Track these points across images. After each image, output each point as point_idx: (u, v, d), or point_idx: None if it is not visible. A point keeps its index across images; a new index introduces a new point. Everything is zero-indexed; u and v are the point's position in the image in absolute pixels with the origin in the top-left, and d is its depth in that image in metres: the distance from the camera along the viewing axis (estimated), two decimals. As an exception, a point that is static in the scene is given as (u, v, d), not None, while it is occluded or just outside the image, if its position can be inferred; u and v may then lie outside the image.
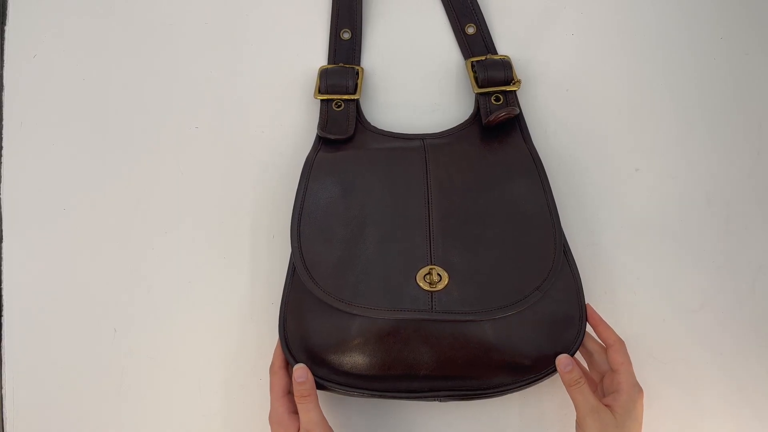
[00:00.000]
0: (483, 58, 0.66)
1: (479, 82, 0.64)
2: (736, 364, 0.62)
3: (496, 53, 0.67)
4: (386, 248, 0.55)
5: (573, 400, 0.52)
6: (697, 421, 0.61)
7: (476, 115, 0.64)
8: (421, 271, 0.54)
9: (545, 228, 0.57)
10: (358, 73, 0.65)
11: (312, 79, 0.67)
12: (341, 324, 0.54)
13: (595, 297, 0.61)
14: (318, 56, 0.68)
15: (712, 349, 0.62)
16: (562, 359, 0.53)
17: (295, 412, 0.52)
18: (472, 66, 0.65)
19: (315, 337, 0.54)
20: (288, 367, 0.55)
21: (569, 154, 0.65)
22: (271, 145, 0.66)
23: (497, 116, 0.61)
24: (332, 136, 0.62)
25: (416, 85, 0.67)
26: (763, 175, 0.65)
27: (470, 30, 0.67)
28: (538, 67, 0.67)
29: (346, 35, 0.67)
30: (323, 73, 0.65)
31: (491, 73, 0.64)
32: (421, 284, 0.53)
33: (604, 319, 0.57)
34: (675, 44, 0.68)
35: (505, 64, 0.64)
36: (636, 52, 0.67)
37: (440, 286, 0.53)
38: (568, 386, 0.52)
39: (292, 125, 0.66)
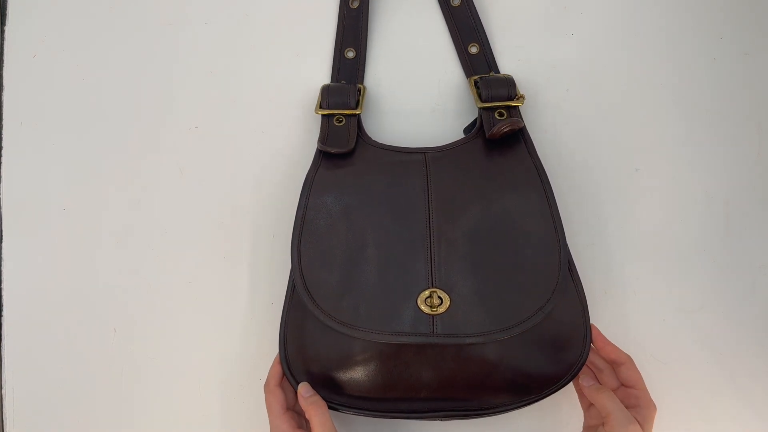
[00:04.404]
0: (486, 75, 0.65)
1: (482, 98, 0.63)
2: (736, 364, 0.62)
3: (499, 72, 0.67)
4: (387, 271, 0.54)
5: (605, 408, 0.51)
6: (697, 421, 0.61)
7: (479, 129, 0.63)
8: (422, 294, 0.53)
9: (550, 246, 0.56)
10: (360, 91, 0.64)
11: (314, 82, 0.67)
12: (342, 346, 0.54)
13: (595, 297, 0.61)
14: (320, 64, 0.68)
15: (712, 349, 0.62)
16: (582, 378, 0.54)
17: (298, 427, 0.53)
18: (475, 83, 0.65)
19: (316, 358, 0.55)
20: (283, 383, 0.56)
21: (569, 153, 0.65)
22: (271, 145, 0.66)
23: (500, 128, 0.60)
24: (333, 150, 0.61)
25: (418, 102, 0.67)
26: (763, 175, 0.65)
27: (473, 49, 0.67)
28: (537, 68, 0.67)
29: (351, 54, 0.67)
30: (325, 90, 0.64)
31: (494, 90, 0.63)
32: (422, 307, 0.53)
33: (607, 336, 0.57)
34: (675, 44, 0.68)
35: (509, 82, 0.63)
36: (636, 52, 0.67)
37: (441, 310, 0.53)
38: (596, 395, 0.52)
39: (293, 125, 0.66)
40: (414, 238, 0.55)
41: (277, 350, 0.58)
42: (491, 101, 0.63)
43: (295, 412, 0.56)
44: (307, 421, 0.54)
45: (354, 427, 0.61)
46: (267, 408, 0.54)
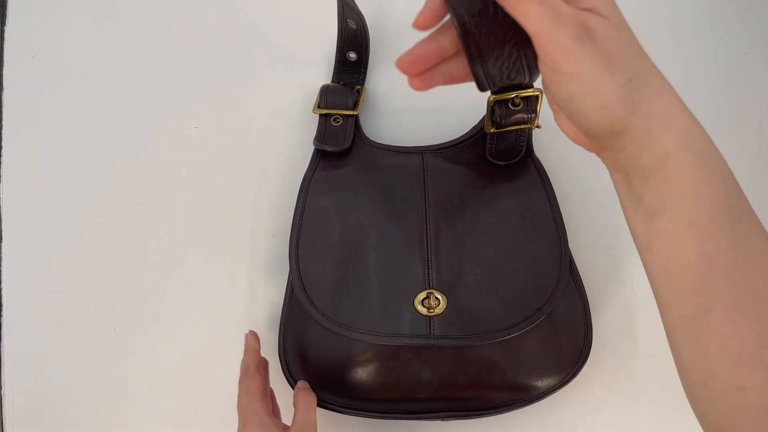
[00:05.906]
0: None
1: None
2: (736, 364, 0.62)
3: None
4: (384, 272, 0.54)
5: (526, 22, 0.35)
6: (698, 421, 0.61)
7: (479, 129, 0.62)
8: (419, 296, 0.53)
9: (550, 245, 0.55)
10: (358, 92, 0.64)
11: (315, 84, 0.67)
12: (341, 347, 0.54)
13: (595, 297, 0.61)
14: (321, 66, 0.68)
15: (712, 349, 0.62)
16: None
17: (273, 414, 0.53)
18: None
19: (315, 360, 0.55)
20: (261, 368, 0.55)
21: (569, 153, 0.65)
22: (271, 145, 0.66)
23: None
24: (329, 148, 0.60)
25: (419, 104, 0.66)
26: (763, 175, 0.65)
27: None
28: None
29: (353, 56, 0.66)
30: (324, 90, 0.63)
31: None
32: (419, 309, 0.52)
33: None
34: (675, 44, 0.67)
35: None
36: (636, 52, 0.67)
37: (438, 311, 0.52)
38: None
39: (293, 126, 0.66)
40: (411, 238, 0.55)
41: (275, 351, 0.58)
42: (505, 91, 0.48)
43: (269, 399, 0.55)
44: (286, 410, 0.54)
45: (353, 428, 0.61)
46: (245, 392, 0.52)
